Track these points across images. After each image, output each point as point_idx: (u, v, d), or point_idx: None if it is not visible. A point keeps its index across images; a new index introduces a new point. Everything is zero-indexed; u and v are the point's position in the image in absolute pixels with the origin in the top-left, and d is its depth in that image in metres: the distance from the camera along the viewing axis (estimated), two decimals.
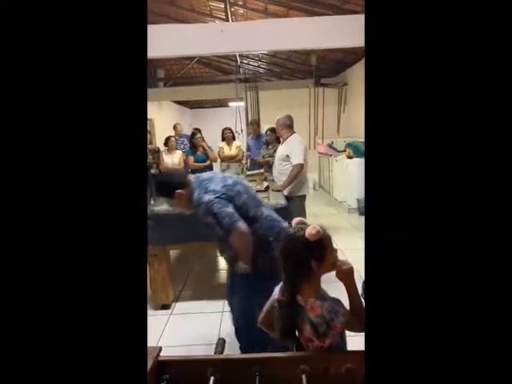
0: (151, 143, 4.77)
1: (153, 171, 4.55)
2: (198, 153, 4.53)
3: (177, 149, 4.76)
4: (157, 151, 4.67)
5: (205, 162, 4.52)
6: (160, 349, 0.95)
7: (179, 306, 2.50)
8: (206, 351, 0.94)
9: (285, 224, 1.61)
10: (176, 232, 2.33)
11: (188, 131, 5.62)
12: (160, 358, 0.93)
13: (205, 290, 2.72)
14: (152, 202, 4.46)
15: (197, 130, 4.77)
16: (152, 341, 2.05)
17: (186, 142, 5.11)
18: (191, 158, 4.51)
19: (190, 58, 6.78)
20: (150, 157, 4.50)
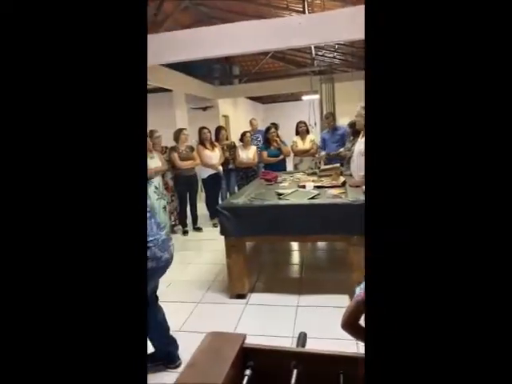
0: (227, 139, 4.95)
1: (230, 166, 4.73)
2: (272, 147, 4.58)
3: (252, 144, 4.88)
4: (233, 147, 4.83)
5: (278, 156, 4.55)
6: (245, 336, 0.98)
7: (254, 297, 2.57)
8: (280, 343, 0.95)
9: None
10: (252, 224, 2.40)
11: (261, 126, 5.71)
12: (245, 345, 0.96)
13: (278, 284, 2.75)
14: (228, 195, 4.67)
15: (273, 125, 4.82)
16: (229, 328, 2.15)
17: (261, 137, 5.20)
18: (265, 153, 4.57)
19: (265, 54, 6.85)
20: (227, 153, 4.68)
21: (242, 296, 2.54)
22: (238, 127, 7.21)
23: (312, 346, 1.63)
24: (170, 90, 6.38)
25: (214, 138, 4.60)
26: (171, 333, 1.95)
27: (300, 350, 0.96)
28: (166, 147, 4.35)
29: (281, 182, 3.39)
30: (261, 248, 3.64)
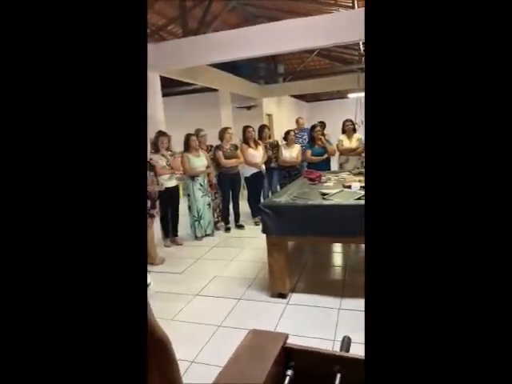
0: (270, 138, 4.95)
1: (272, 165, 4.73)
2: (316, 146, 4.50)
3: (296, 143, 4.84)
4: (276, 145, 4.82)
5: (322, 155, 4.47)
6: (287, 336, 0.98)
7: (295, 297, 2.55)
8: (321, 345, 0.93)
9: None
10: (294, 224, 2.38)
11: (306, 125, 5.64)
12: (286, 345, 0.95)
13: (319, 285, 2.71)
14: (270, 193, 4.68)
15: (320, 123, 4.74)
16: (269, 326, 2.15)
17: (306, 136, 5.14)
18: (309, 152, 4.51)
19: (311, 51, 6.76)
20: (269, 151, 4.68)
21: (282, 295, 2.53)
22: (281, 126, 7.19)
23: (356, 351, 1.58)
24: (216, 90, 6.52)
25: (257, 137, 4.62)
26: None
27: (344, 354, 0.93)
28: (212, 146, 4.46)
29: (325, 182, 3.33)
30: (303, 248, 3.60)
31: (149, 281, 0.59)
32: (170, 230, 4.03)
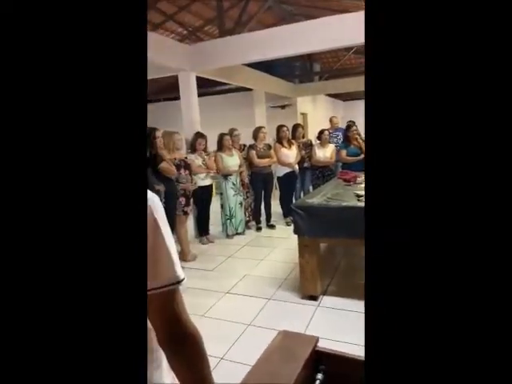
0: (303, 137, 4.90)
1: (305, 165, 4.68)
2: (352, 146, 4.40)
3: (330, 142, 4.75)
4: (309, 145, 4.76)
5: (358, 155, 4.35)
6: (317, 339, 0.95)
7: (326, 300, 2.50)
8: (352, 350, 0.89)
9: None
10: (327, 225, 2.33)
11: (341, 124, 5.53)
12: (317, 348, 0.93)
13: (352, 289, 2.63)
14: (301, 195, 4.63)
15: (352, 123, 4.63)
16: (299, 328, 2.12)
17: (340, 135, 5.04)
18: (343, 152, 4.41)
19: (347, 49, 6.60)
20: (303, 151, 4.63)
21: (313, 297, 2.49)
22: (316, 125, 7.09)
23: None
24: (251, 90, 6.56)
25: (290, 136, 4.59)
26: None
27: None
28: (245, 145, 4.48)
29: (360, 183, 3.23)
30: (336, 250, 3.53)
31: (182, 276, 0.59)
32: (203, 228, 4.10)
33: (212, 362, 0.66)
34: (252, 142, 4.40)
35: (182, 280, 0.59)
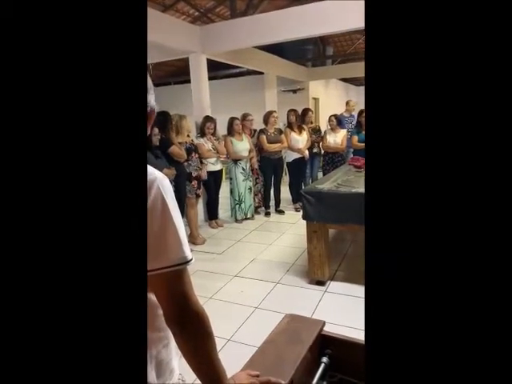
0: (312, 122, 4.83)
1: (314, 150, 4.63)
2: (364, 132, 4.33)
3: (344, 127, 4.68)
4: (318, 130, 4.70)
5: None
6: (323, 323, 0.96)
7: (334, 285, 2.51)
8: (358, 335, 0.90)
9: None
10: (337, 211, 2.32)
11: (356, 109, 5.43)
12: (323, 332, 0.94)
13: (360, 275, 2.64)
14: (310, 181, 4.60)
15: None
16: (306, 313, 2.15)
17: (355, 121, 4.96)
18: (355, 138, 4.35)
19: (362, 32, 6.41)
20: (313, 136, 4.58)
21: (321, 283, 2.51)
22: (328, 110, 6.98)
23: None
24: (262, 73, 6.46)
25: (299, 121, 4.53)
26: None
27: None
28: (255, 130, 4.45)
29: None
30: (344, 236, 3.53)
31: (190, 256, 0.60)
32: (212, 212, 4.13)
33: (219, 342, 0.68)
34: (262, 126, 4.37)
35: (190, 260, 0.59)
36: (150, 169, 0.58)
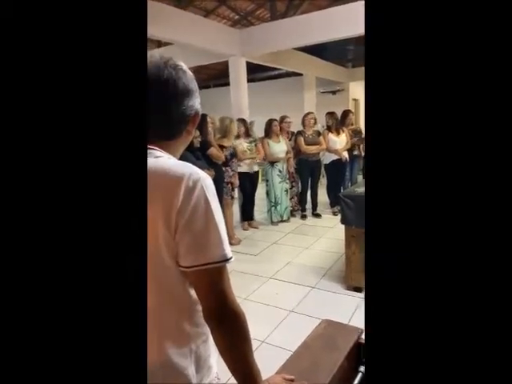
0: (352, 124, 4.71)
1: (355, 153, 4.51)
2: None
3: None
4: (359, 132, 4.58)
5: None
6: (362, 331, 0.93)
7: None
8: None
9: None
10: None
11: None
12: (361, 340, 0.91)
13: None
14: (349, 184, 4.48)
15: None
16: (342, 319, 2.08)
17: None
18: None
19: None
20: (354, 138, 4.47)
21: (358, 289, 2.43)
22: None
23: None
24: (301, 75, 6.41)
25: (339, 123, 4.44)
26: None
27: None
28: (293, 132, 4.42)
29: None
30: None
31: (230, 255, 0.60)
32: (248, 214, 4.16)
33: (253, 344, 0.67)
34: (300, 128, 4.33)
35: (230, 258, 0.60)
36: (195, 168, 0.60)
